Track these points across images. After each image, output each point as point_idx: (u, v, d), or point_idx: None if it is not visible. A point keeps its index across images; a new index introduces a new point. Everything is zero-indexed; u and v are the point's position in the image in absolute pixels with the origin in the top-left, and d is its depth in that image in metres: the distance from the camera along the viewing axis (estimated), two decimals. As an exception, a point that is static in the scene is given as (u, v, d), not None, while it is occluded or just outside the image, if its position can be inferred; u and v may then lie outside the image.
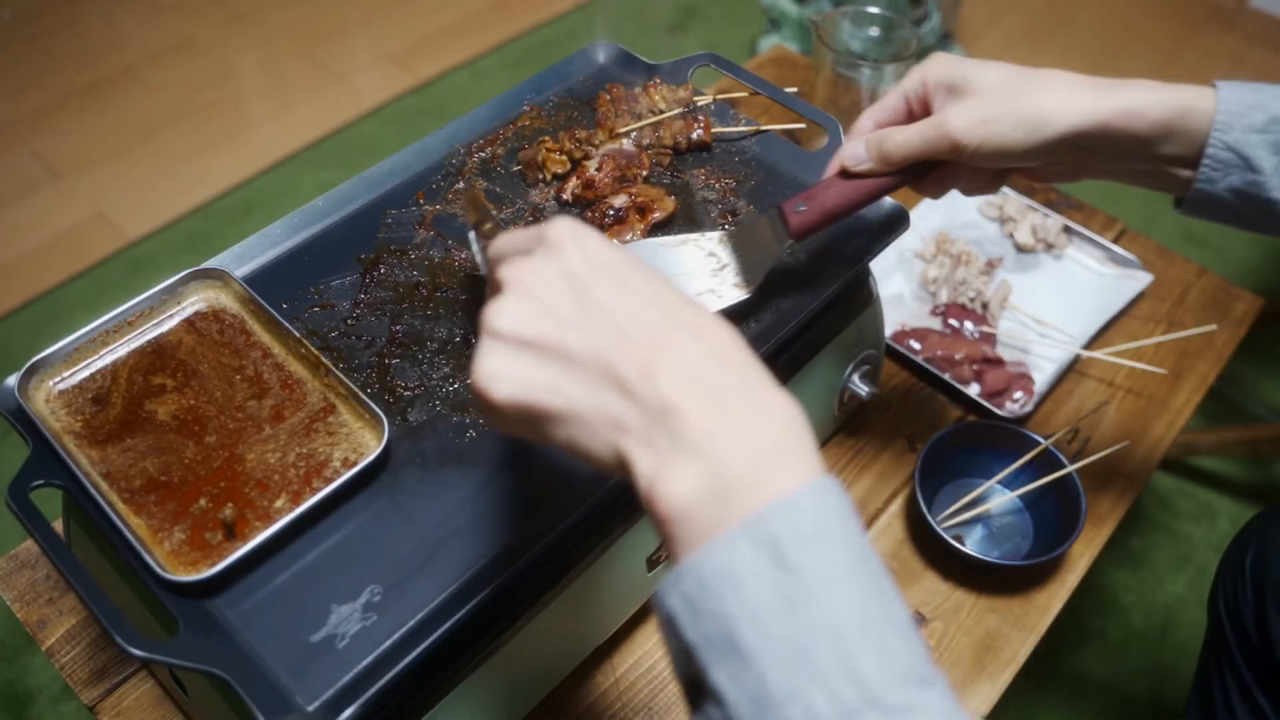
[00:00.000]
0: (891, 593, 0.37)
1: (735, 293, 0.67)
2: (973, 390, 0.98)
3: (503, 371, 0.42)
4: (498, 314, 0.42)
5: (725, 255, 0.68)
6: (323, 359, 0.64)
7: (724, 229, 0.68)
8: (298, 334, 0.66)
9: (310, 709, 0.52)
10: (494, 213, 0.63)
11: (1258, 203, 0.60)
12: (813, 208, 0.66)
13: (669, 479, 0.38)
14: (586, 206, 0.77)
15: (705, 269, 0.68)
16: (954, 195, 1.15)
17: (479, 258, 0.57)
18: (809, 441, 0.39)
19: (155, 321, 0.68)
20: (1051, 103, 0.60)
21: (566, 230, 0.44)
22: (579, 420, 0.41)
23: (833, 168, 0.67)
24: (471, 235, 0.59)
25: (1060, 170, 0.66)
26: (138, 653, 0.51)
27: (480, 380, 0.42)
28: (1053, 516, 0.87)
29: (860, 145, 0.65)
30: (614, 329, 0.41)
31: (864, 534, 0.38)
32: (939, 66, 0.64)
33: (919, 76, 0.65)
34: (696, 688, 0.37)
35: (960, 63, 0.63)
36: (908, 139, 0.63)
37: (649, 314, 0.41)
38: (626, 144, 0.80)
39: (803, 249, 0.76)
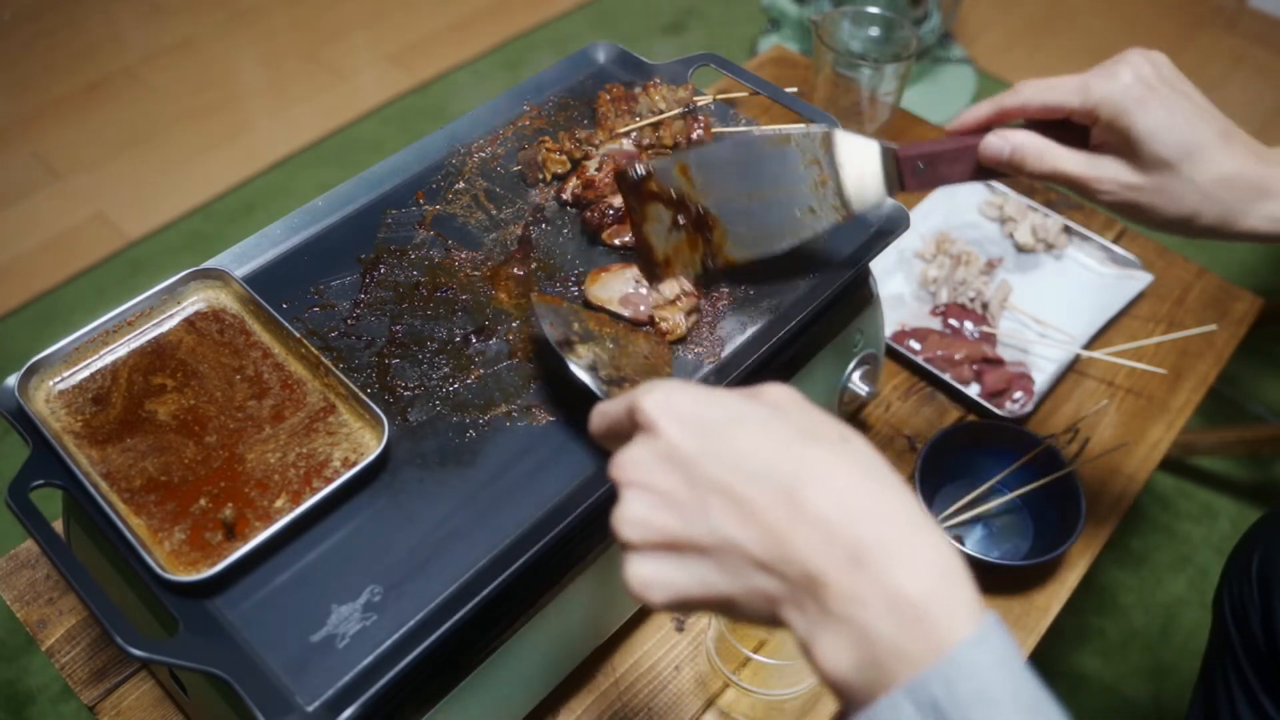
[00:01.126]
0: None
1: (833, 215, 0.64)
2: (973, 390, 0.98)
3: (651, 580, 0.42)
4: (622, 523, 0.42)
5: (829, 168, 0.64)
6: (323, 359, 0.64)
7: (826, 128, 0.64)
8: (298, 334, 0.66)
9: (310, 709, 0.52)
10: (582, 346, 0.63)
11: None
12: (931, 175, 0.63)
13: (824, 646, 0.38)
14: (586, 206, 0.77)
15: (809, 178, 0.64)
16: (954, 195, 1.15)
17: (592, 385, 0.59)
18: (962, 581, 0.38)
19: (155, 321, 0.68)
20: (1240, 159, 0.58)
21: (653, 405, 0.42)
22: (735, 603, 0.41)
23: (966, 121, 0.63)
24: (574, 366, 0.60)
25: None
26: (138, 653, 0.51)
27: (634, 591, 0.42)
28: (1053, 516, 0.87)
29: (1007, 145, 0.61)
30: (734, 506, 0.40)
31: (1030, 676, 0.37)
32: (1161, 121, 0.58)
33: (1119, 106, 0.58)
34: None
35: (1187, 130, 0.58)
36: (1061, 169, 0.60)
37: (764, 473, 0.40)
38: (626, 144, 0.80)
39: (803, 248, 0.75)
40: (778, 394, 0.43)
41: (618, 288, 0.69)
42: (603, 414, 0.47)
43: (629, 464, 0.42)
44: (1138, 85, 0.58)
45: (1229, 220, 0.59)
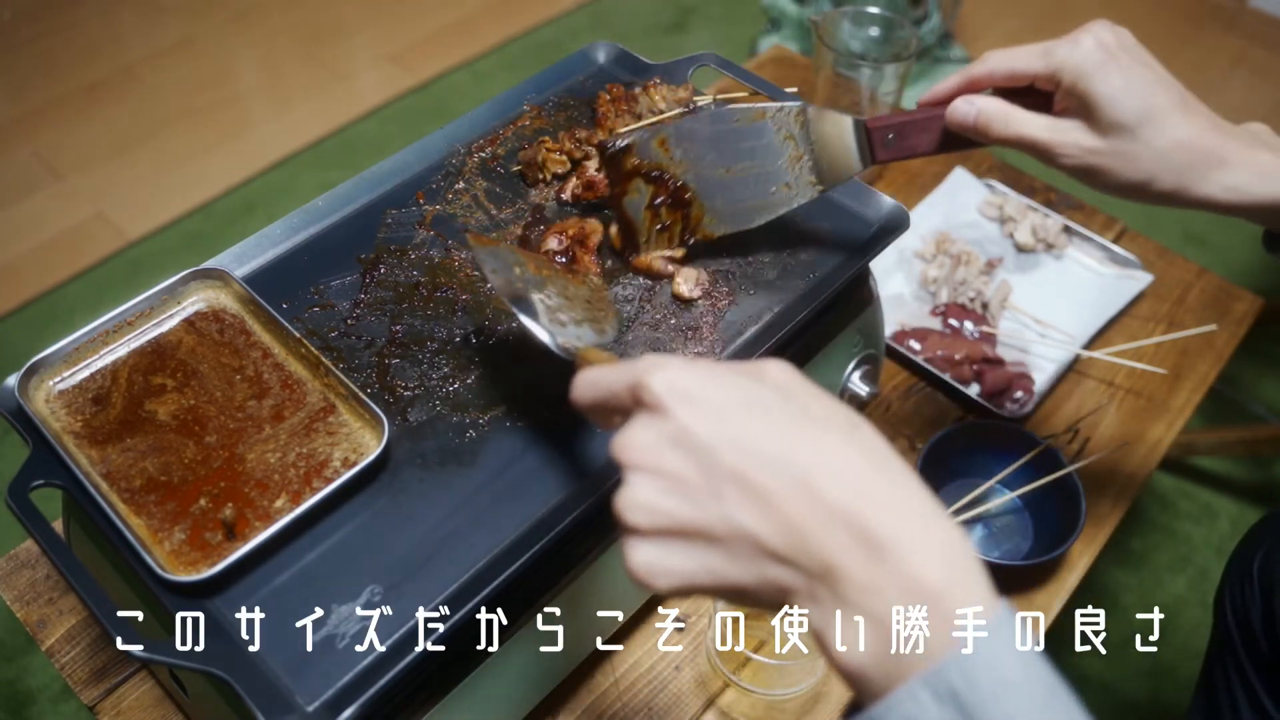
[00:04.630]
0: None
1: (808, 190, 0.65)
2: (973, 390, 0.98)
3: (656, 566, 0.41)
4: (628, 507, 0.41)
5: (803, 144, 0.65)
6: (323, 359, 0.64)
7: (802, 104, 0.65)
8: (298, 334, 0.66)
9: (310, 709, 0.52)
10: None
11: None
12: (901, 146, 0.64)
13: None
14: (589, 207, 0.77)
15: (784, 153, 0.65)
16: (954, 195, 1.15)
17: (539, 331, 0.57)
18: (975, 569, 0.38)
19: (155, 321, 0.68)
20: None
21: (662, 385, 0.41)
22: (745, 592, 0.40)
23: (936, 93, 0.65)
24: (518, 311, 0.58)
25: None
26: (138, 653, 0.51)
27: (638, 577, 0.41)
28: (1053, 516, 0.87)
29: (972, 110, 0.63)
30: (749, 495, 0.39)
31: (1045, 664, 0.37)
32: (1120, 86, 0.59)
33: (1079, 70, 0.60)
34: None
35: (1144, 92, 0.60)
36: (1025, 133, 0.62)
37: (779, 461, 0.39)
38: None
39: (802, 248, 0.76)
40: (780, 373, 0.43)
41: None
42: (593, 384, 0.46)
43: (637, 446, 0.41)
44: (1099, 51, 0.59)
45: (1185, 187, 0.61)
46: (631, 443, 0.41)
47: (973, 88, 0.64)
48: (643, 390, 0.42)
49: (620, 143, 0.66)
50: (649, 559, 0.41)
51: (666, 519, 0.40)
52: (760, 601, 0.40)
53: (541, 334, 0.56)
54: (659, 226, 0.67)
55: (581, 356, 0.52)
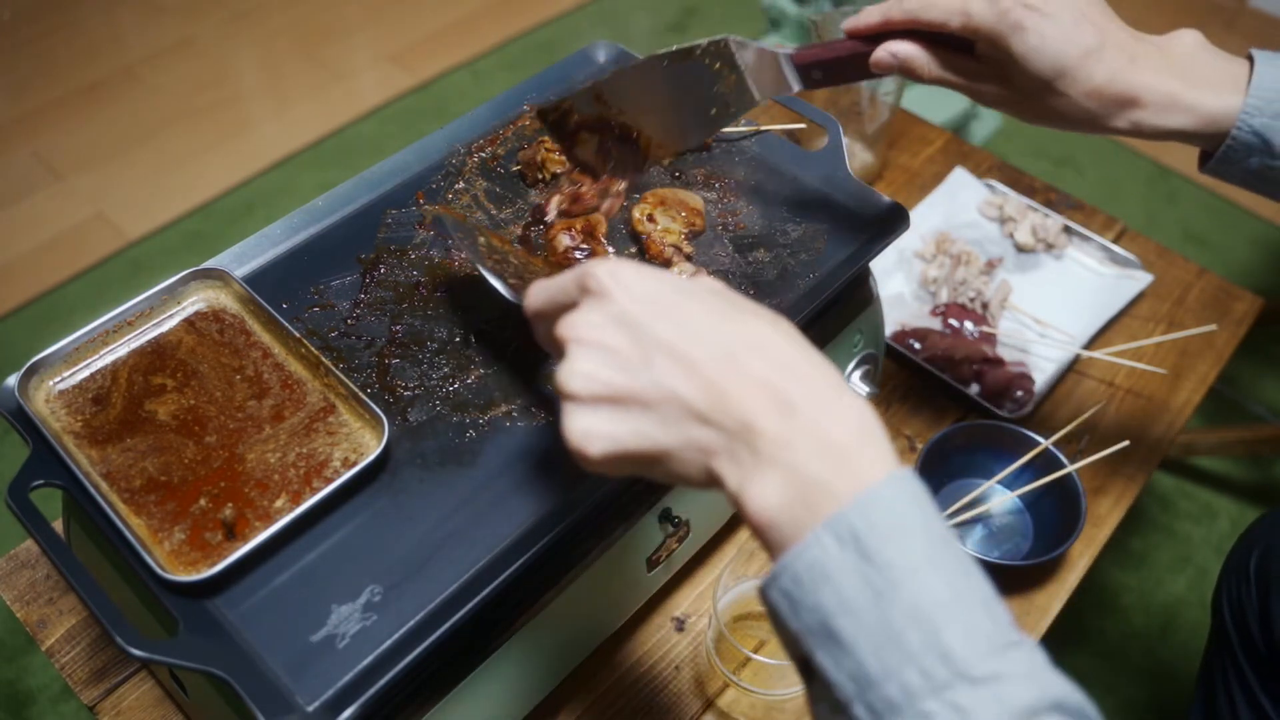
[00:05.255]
0: (971, 570, 0.40)
1: (749, 102, 0.67)
2: (973, 390, 0.98)
3: (590, 430, 0.44)
4: (569, 376, 0.45)
5: (732, 70, 0.67)
6: (323, 359, 0.64)
7: (725, 37, 0.67)
8: (298, 334, 0.66)
9: (310, 709, 0.52)
10: (490, 244, 0.66)
11: (1274, 183, 0.63)
12: (830, 78, 0.67)
13: (755, 490, 0.41)
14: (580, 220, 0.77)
15: (719, 79, 0.67)
16: (954, 195, 1.15)
17: (500, 287, 0.61)
18: (881, 436, 0.42)
19: (155, 321, 0.68)
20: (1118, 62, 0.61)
21: (606, 273, 0.45)
22: (670, 456, 0.44)
23: (856, 26, 0.66)
24: (483, 270, 0.63)
25: (1070, 112, 0.64)
26: (138, 653, 0.51)
27: (573, 443, 0.45)
28: (1053, 516, 0.87)
29: (895, 60, 0.64)
30: (678, 362, 0.43)
31: (940, 517, 0.41)
32: (1033, 45, 0.61)
33: (994, 32, 0.61)
34: (805, 667, 0.41)
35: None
36: (946, 79, 0.65)
37: (708, 336, 0.43)
38: None
39: (802, 248, 0.76)
40: (711, 281, 0.48)
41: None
42: (544, 288, 0.49)
43: (581, 324, 0.45)
44: (1015, 9, 0.60)
45: (1095, 123, 0.63)
46: (577, 320, 0.46)
47: (890, 28, 0.65)
48: (588, 278, 0.46)
49: (558, 106, 0.69)
50: (584, 425, 0.44)
51: (603, 386, 0.44)
52: (684, 468, 0.44)
53: (500, 287, 0.61)
54: (611, 165, 0.70)
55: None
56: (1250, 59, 0.62)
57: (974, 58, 0.64)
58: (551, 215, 0.76)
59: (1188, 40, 0.63)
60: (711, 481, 0.43)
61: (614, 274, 0.45)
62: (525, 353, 0.68)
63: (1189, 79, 0.61)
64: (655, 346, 0.43)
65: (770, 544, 0.41)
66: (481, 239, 0.66)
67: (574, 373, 0.44)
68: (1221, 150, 0.63)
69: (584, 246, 0.72)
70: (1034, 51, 0.60)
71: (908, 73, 0.65)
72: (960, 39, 0.63)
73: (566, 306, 0.48)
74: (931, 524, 0.40)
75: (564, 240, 0.72)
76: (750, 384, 0.42)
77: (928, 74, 0.64)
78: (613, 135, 0.69)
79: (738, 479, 0.42)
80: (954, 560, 0.39)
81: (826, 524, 0.39)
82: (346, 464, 0.61)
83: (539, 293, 0.50)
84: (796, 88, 0.68)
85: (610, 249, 0.73)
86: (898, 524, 0.39)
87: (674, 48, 0.67)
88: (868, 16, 0.65)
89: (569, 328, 0.46)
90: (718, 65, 0.67)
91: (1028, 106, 0.64)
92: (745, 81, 0.67)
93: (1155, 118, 0.62)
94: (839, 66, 0.67)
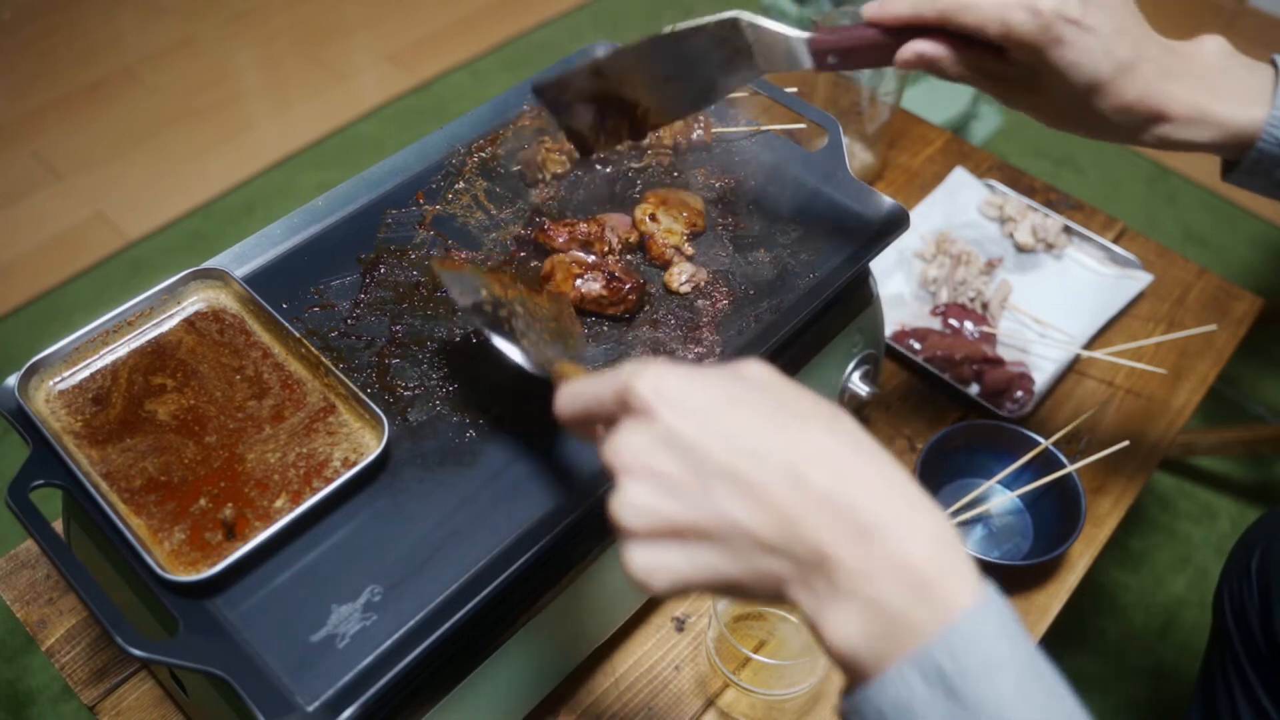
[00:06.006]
0: (1064, 696, 0.37)
1: (752, 75, 0.66)
2: (973, 390, 0.98)
3: (653, 565, 0.41)
4: (622, 508, 0.41)
5: (742, 46, 0.65)
6: (323, 359, 0.64)
7: (736, 15, 0.65)
8: (298, 334, 0.66)
9: (310, 709, 0.52)
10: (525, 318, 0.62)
11: None
12: (844, 63, 0.64)
13: (833, 621, 0.39)
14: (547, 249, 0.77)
15: (724, 49, 0.65)
16: (954, 195, 1.15)
17: (518, 357, 0.58)
18: (958, 550, 0.39)
19: (155, 321, 0.68)
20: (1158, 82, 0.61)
21: (649, 390, 0.42)
22: (740, 585, 0.41)
23: (883, 14, 0.63)
24: (496, 341, 0.60)
25: (1101, 125, 0.63)
26: (138, 653, 0.51)
27: (636, 577, 0.42)
28: (1053, 516, 0.87)
29: (922, 62, 0.61)
30: (739, 489, 0.40)
31: (1030, 643, 0.38)
32: (1070, 60, 0.59)
33: (1032, 46, 0.59)
34: None
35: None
36: (979, 84, 0.63)
37: (767, 455, 0.40)
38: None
39: (803, 248, 0.76)
40: (759, 371, 0.44)
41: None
42: (576, 395, 0.46)
43: (627, 449, 0.42)
44: (1058, 23, 0.58)
45: (1123, 135, 0.63)
46: (622, 447, 0.42)
47: (918, 24, 0.61)
48: (629, 395, 0.42)
49: (556, 79, 0.66)
50: (646, 560, 0.41)
51: (661, 519, 0.41)
52: (756, 594, 0.41)
53: (515, 354, 0.57)
54: (604, 136, 0.69)
55: (557, 372, 0.53)
56: (1275, 65, 0.62)
57: (1005, 62, 0.61)
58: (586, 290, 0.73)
59: (1212, 48, 0.63)
60: (785, 601, 0.41)
61: (657, 390, 0.42)
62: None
63: (1216, 91, 0.61)
64: (712, 472, 0.40)
65: (849, 672, 0.39)
66: (483, 292, 0.62)
67: (627, 505, 0.41)
68: (1247, 162, 0.62)
69: (593, 249, 0.72)
70: (1072, 66, 0.59)
71: (932, 70, 0.62)
72: (994, 44, 0.61)
73: (602, 419, 0.45)
74: (1019, 652, 0.37)
75: (575, 252, 0.72)
76: (819, 508, 0.39)
77: (954, 73, 0.62)
78: (610, 108, 0.67)
79: (814, 607, 0.39)
80: (1044, 691, 0.37)
81: (911, 660, 0.37)
82: (346, 464, 0.61)
83: (571, 400, 0.47)
84: (808, 65, 0.66)
85: (618, 258, 0.73)
86: (985, 659, 0.36)
87: (680, 26, 0.64)
88: (894, 7, 0.61)
89: (614, 454, 0.42)
90: (726, 43, 0.65)
91: (1056, 115, 0.63)
92: (754, 58, 0.65)
93: (1182, 132, 0.61)
94: (856, 54, 0.64)
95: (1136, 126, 0.62)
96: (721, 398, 0.41)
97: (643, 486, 0.41)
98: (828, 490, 0.39)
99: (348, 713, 0.52)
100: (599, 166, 0.81)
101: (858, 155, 1.15)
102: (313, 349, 0.65)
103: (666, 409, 0.41)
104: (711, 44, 0.65)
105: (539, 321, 0.62)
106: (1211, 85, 0.61)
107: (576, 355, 0.60)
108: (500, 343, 0.59)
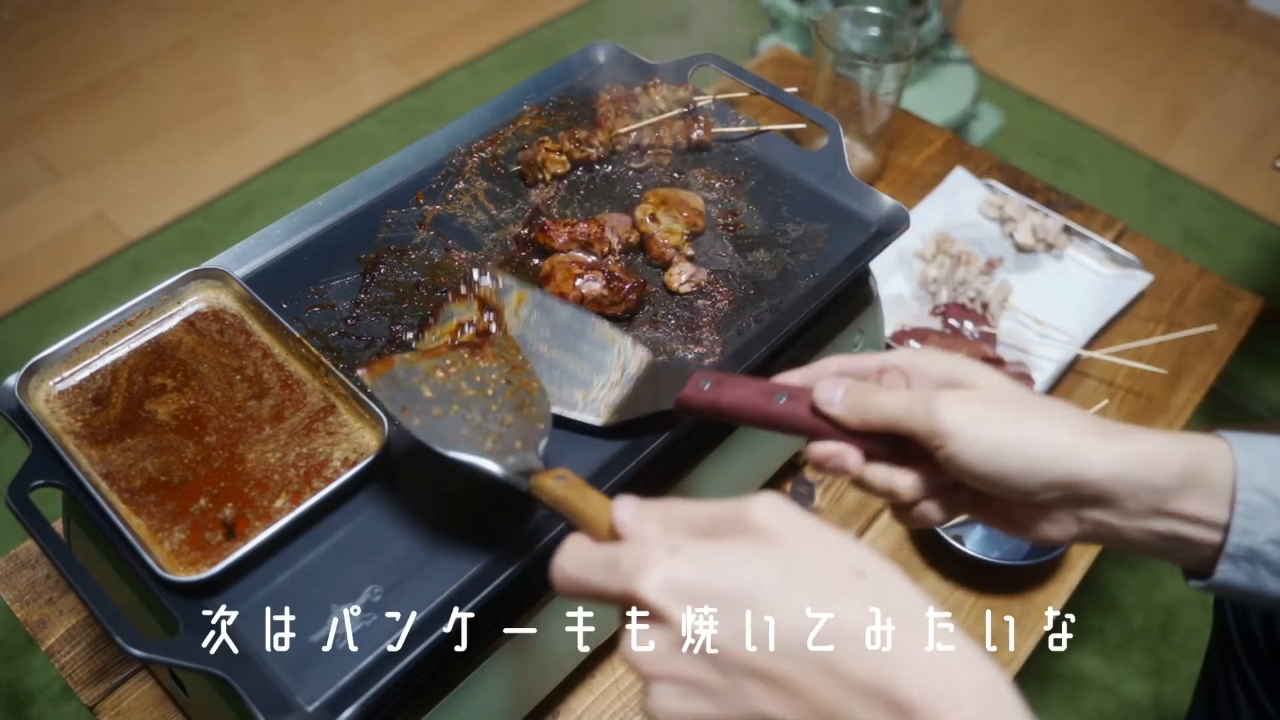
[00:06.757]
0: None
1: (590, 417, 0.63)
2: (973, 390, 0.97)
3: None
4: (657, 711, 0.40)
5: (628, 376, 0.64)
6: (323, 359, 0.64)
7: (647, 354, 0.65)
8: (298, 334, 0.66)
9: (310, 709, 0.52)
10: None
11: None
12: (712, 391, 0.57)
13: None
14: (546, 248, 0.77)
15: (606, 376, 0.64)
16: (954, 195, 1.15)
17: (487, 465, 0.53)
18: (1008, 703, 0.37)
19: (155, 321, 0.68)
20: (1060, 435, 0.50)
21: (655, 594, 0.39)
22: None
23: (786, 379, 0.57)
24: (457, 457, 0.54)
25: (1050, 523, 0.53)
26: (138, 653, 0.51)
27: None
28: (1053, 516, 0.87)
29: (840, 390, 0.53)
30: (772, 687, 0.38)
31: None
32: (937, 361, 0.54)
33: (908, 359, 0.54)
34: None
35: (961, 362, 0.54)
36: (893, 405, 0.51)
37: (796, 646, 0.37)
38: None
39: (802, 248, 0.76)
40: (768, 517, 0.40)
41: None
42: (576, 583, 0.42)
43: (646, 659, 0.39)
44: (965, 430, 0.50)
45: (1017, 530, 0.55)
46: (640, 655, 0.40)
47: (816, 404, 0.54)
48: (636, 600, 0.40)
49: (480, 278, 0.65)
50: None
51: (697, 719, 0.39)
52: None
53: (489, 468, 0.53)
54: (453, 340, 0.65)
55: (536, 488, 0.50)
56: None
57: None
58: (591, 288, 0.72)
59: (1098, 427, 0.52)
60: None
61: (664, 589, 0.39)
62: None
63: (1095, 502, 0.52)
64: (740, 671, 0.38)
65: None
66: (426, 390, 0.57)
67: (661, 709, 0.39)
68: (1236, 523, 0.51)
69: (593, 248, 0.72)
70: (975, 466, 0.50)
71: (841, 420, 0.53)
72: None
73: (609, 603, 0.42)
74: None
75: (576, 253, 0.72)
76: (859, 696, 0.37)
77: (863, 479, 0.54)
78: (479, 333, 0.65)
79: None
80: None
81: None
82: (346, 464, 0.61)
83: (569, 585, 0.43)
84: (659, 406, 0.60)
85: (620, 260, 0.73)
86: None
87: (610, 329, 0.64)
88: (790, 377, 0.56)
89: (634, 663, 0.40)
90: (619, 365, 0.64)
91: (978, 517, 0.56)
92: (620, 394, 0.63)
93: (1056, 532, 0.53)
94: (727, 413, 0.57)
95: (1025, 522, 0.53)
96: (735, 583, 0.39)
97: (671, 691, 0.39)
98: (864, 677, 0.37)
99: (348, 713, 0.52)
100: (599, 166, 0.81)
101: (858, 155, 1.15)
102: (313, 349, 0.65)
103: (678, 611, 0.38)
104: (613, 353, 0.64)
105: (493, 398, 0.58)
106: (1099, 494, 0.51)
107: (541, 437, 0.56)
108: (466, 459, 0.53)
